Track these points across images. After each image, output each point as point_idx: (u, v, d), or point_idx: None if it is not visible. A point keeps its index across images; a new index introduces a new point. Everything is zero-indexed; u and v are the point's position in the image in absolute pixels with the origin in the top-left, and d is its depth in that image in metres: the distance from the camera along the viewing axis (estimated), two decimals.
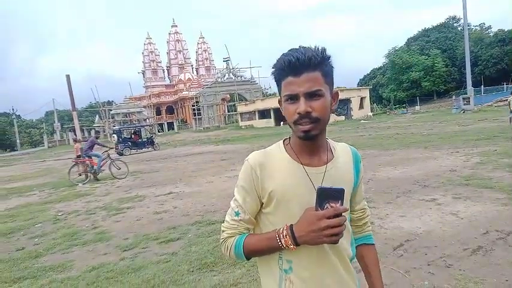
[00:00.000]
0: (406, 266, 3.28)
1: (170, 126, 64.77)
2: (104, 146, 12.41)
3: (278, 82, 1.05)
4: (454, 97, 39.59)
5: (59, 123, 57.70)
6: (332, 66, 1.04)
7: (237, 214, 1.12)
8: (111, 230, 5.41)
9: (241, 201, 1.11)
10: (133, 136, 26.26)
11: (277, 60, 1.03)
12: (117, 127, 30.96)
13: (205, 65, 79.95)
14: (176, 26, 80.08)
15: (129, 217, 6.17)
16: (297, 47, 1.02)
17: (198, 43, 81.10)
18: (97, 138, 12.76)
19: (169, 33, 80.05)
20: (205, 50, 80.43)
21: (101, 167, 11.66)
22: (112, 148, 12.91)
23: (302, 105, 0.98)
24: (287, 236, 1.00)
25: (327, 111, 1.02)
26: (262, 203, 1.10)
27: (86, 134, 61.33)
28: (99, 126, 61.86)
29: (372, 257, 1.26)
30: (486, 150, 9.17)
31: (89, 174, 11.50)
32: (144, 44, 78.72)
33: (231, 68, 56.00)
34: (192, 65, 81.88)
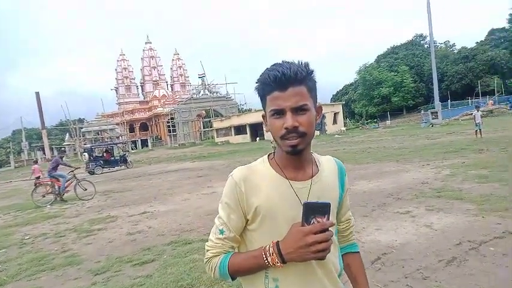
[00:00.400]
0: (384, 280, 3.29)
1: (144, 143, 63.76)
2: (69, 166, 11.95)
3: (262, 97, 1.05)
4: (422, 112, 41.13)
5: (26, 142, 55.52)
6: (315, 81, 1.05)
7: (222, 232, 1.09)
8: (81, 253, 5.16)
9: (225, 218, 1.08)
10: (105, 154, 25.56)
11: (262, 75, 1.03)
12: (88, 145, 30.10)
13: (180, 82, 79.74)
14: (150, 42, 79.86)
15: (101, 239, 5.93)
16: (281, 62, 1.02)
17: (172, 59, 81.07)
18: (62, 157, 12.22)
19: (144, 50, 79.64)
20: (180, 67, 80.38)
21: (66, 187, 11.14)
22: (78, 168, 12.36)
23: (289, 120, 0.98)
24: (274, 254, 0.97)
25: (313, 125, 1.03)
26: (247, 220, 1.08)
27: (56, 152, 59.38)
28: (69, 145, 60.09)
29: (358, 265, 1.26)
30: (455, 163, 9.49)
31: (54, 195, 10.99)
32: (118, 61, 77.91)
33: (206, 84, 56.03)
34: (166, 82, 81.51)
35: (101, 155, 25.71)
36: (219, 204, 1.12)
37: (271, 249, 0.98)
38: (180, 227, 6.11)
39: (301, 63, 1.01)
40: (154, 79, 78.51)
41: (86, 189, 11.22)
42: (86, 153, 24.58)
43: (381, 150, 15.72)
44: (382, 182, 8.13)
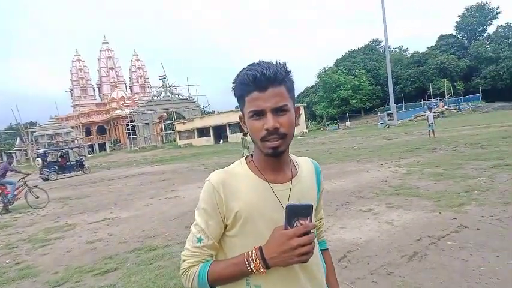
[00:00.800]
0: (351, 277, 3.36)
1: (102, 147, 61.31)
2: (19, 172, 11.20)
3: (240, 98, 1.02)
4: (379, 113, 42.94)
5: None
6: (293, 81, 1.03)
7: (200, 240, 1.03)
8: (37, 265, 4.84)
9: (203, 225, 1.03)
10: (60, 159, 24.30)
11: (239, 75, 1.00)
12: (41, 150, 28.50)
13: (140, 83, 77.53)
14: (108, 42, 77.06)
15: (58, 248, 5.60)
16: (258, 62, 1.00)
17: (131, 60, 78.65)
18: (10, 163, 11.35)
19: (100, 50, 76.68)
20: (139, 68, 78.19)
21: (16, 195, 10.41)
22: (29, 174, 11.52)
23: (270, 121, 0.95)
24: (257, 260, 0.94)
25: (293, 126, 1.01)
26: (226, 226, 1.04)
27: (5, 158, 55.70)
28: (20, 150, 56.59)
29: (328, 262, 1.28)
30: (411, 161, 9.95)
31: (2, 204, 10.21)
32: (72, 61, 74.41)
33: (167, 86, 54.97)
34: (125, 83, 78.93)
35: (55, 160, 24.42)
36: (195, 211, 1.07)
37: (254, 255, 0.95)
38: (143, 234, 5.91)
39: (279, 63, 0.99)
40: (112, 80, 75.79)
41: (38, 197, 10.49)
42: (39, 159, 23.18)
43: (342, 150, 16.17)
44: (344, 181, 8.35)
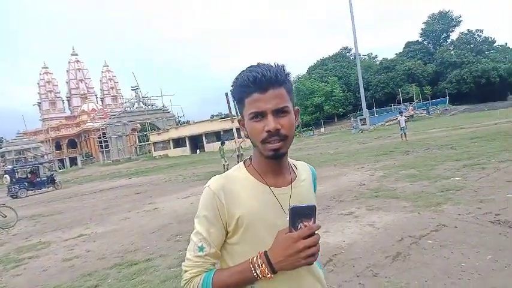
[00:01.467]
0: (338, 281, 3.37)
1: (73, 161, 59.40)
2: None
3: (240, 100, 1.01)
4: (352, 119, 43.92)
5: None
6: (292, 83, 1.03)
7: (202, 249, 1.00)
8: (10, 286, 4.60)
9: (205, 233, 1.00)
10: (29, 175, 23.34)
11: (239, 77, 0.99)
12: (9, 166, 27.27)
13: (112, 94, 75.97)
14: (77, 54, 75.20)
15: (32, 268, 5.34)
16: (257, 64, 0.99)
17: (102, 72, 77.08)
18: None
19: (69, 62, 74.70)
20: (110, 79, 76.68)
21: None
22: None
23: (271, 123, 0.94)
24: (263, 265, 0.92)
25: (293, 128, 1.00)
26: (227, 233, 1.01)
27: None
28: None
29: None
30: (387, 164, 10.20)
31: None
32: (40, 74, 72.13)
33: (140, 96, 54.11)
34: (96, 95, 77.11)
35: (24, 176, 23.42)
36: (195, 219, 1.04)
37: (259, 260, 0.93)
38: (122, 248, 5.73)
39: (278, 65, 0.99)
40: (82, 92, 73.84)
41: (5, 216, 9.96)
42: (7, 176, 22.14)
43: (319, 156, 16.38)
44: (323, 186, 8.43)
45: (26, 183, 22.17)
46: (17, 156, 49.68)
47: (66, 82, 75.12)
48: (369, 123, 35.23)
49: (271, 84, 0.95)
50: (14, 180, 21.72)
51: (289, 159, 1.14)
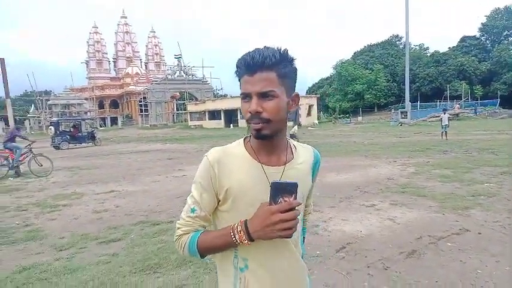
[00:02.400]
0: (347, 268, 3.41)
1: (113, 121, 61.99)
2: (25, 139, 11.24)
3: (239, 80, 1.06)
4: (393, 110, 42.48)
5: None
6: (294, 68, 1.05)
7: (193, 211, 1.09)
8: (45, 228, 5.00)
9: (197, 197, 1.09)
10: (72, 129, 24.66)
11: (238, 59, 1.04)
12: (54, 119, 28.90)
13: (155, 61, 77.64)
14: (126, 17, 76.93)
15: (65, 215, 5.77)
16: (260, 47, 1.02)
17: (148, 37, 78.64)
18: (19, 129, 11.41)
19: (118, 24, 76.64)
20: (156, 45, 78.16)
21: (20, 161, 10.58)
22: (34, 141, 11.51)
23: (253, 105, 1.00)
24: (241, 232, 0.99)
25: (280, 112, 1.02)
26: (219, 201, 1.09)
27: (19, 124, 56.64)
28: (34, 117, 57.53)
29: None
30: (420, 161, 9.89)
31: (11, 167, 10.40)
32: (90, 33, 74.70)
33: (182, 65, 54.96)
34: (140, 59, 79.08)
35: (67, 130, 24.79)
36: (192, 184, 1.13)
37: (239, 227, 1.00)
38: (148, 208, 6.04)
39: (278, 49, 1.01)
40: (127, 55, 75.96)
41: (41, 165, 10.62)
42: (52, 127, 23.56)
43: (351, 145, 16.11)
44: (350, 175, 8.36)
45: (68, 137, 23.49)
46: (62, 110, 52.45)
47: (114, 44, 77.40)
48: (410, 117, 33.98)
49: (259, 68, 0.98)
50: (57, 132, 23.06)
51: (292, 140, 1.19)
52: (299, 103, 1.13)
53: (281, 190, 0.94)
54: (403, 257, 3.62)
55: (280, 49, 1.02)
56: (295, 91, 1.09)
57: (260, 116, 1.00)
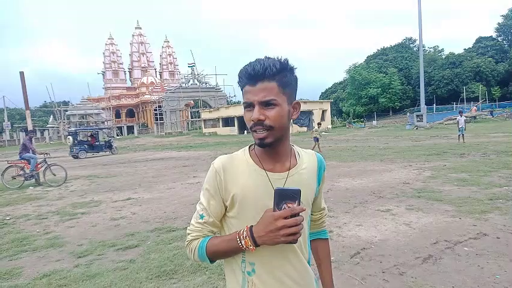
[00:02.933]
0: (362, 274, 3.40)
1: (130, 130, 62.99)
2: (33, 152, 11.07)
3: (242, 90, 1.10)
4: (408, 114, 41.82)
5: (9, 122, 54.25)
6: (294, 78, 1.09)
7: (202, 217, 1.14)
8: (64, 236, 5.14)
9: (205, 204, 1.14)
10: (90, 139, 25.23)
11: (240, 70, 1.08)
12: (73, 129, 29.60)
13: (170, 70, 78.87)
14: (140, 28, 78.61)
15: (84, 223, 5.91)
16: (260, 58, 1.06)
17: (162, 47, 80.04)
18: (31, 138, 11.42)
19: (133, 35, 78.36)
20: (169, 54, 79.43)
21: (33, 169, 10.79)
22: (47, 154, 11.54)
23: (255, 113, 1.03)
24: (247, 237, 1.02)
25: (282, 120, 1.06)
26: (226, 207, 1.13)
27: (39, 134, 58.14)
28: (53, 127, 58.93)
29: (324, 252, 1.36)
30: (437, 165, 9.73)
31: (26, 177, 10.66)
32: (106, 44, 76.45)
33: (196, 74, 55.60)
34: (155, 69, 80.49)
35: (85, 139, 25.35)
36: (201, 191, 1.17)
37: (244, 232, 1.03)
38: (164, 215, 6.13)
39: (279, 59, 1.05)
40: (142, 65, 77.44)
41: (55, 175, 10.84)
42: (70, 137, 24.13)
43: (366, 149, 15.96)
44: (365, 180, 8.30)
45: (86, 146, 24.01)
46: (80, 120, 53.58)
47: (129, 54, 79.03)
48: (426, 120, 33.41)
49: (260, 78, 1.03)
50: (76, 141, 23.61)
51: (296, 147, 1.22)
52: (300, 110, 1.15)
53: (284, 196, 0.97)
54: (419, 262, 3.58)
55: (281, 59, 1.05)
56: (296, 99, 1.13)
57: (263, 124, 1.03)
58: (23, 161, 10.86)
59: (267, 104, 1.03)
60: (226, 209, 1.14)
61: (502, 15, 58.40)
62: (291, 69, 1.07)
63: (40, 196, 8.77)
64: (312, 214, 1.31)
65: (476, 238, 4.12)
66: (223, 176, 1.11)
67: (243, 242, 1.03)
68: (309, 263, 1.22)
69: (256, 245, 1.02)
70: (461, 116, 16.37)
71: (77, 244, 4.74)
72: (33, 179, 10.92)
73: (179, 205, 6.83)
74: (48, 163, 11.01)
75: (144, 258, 4.04)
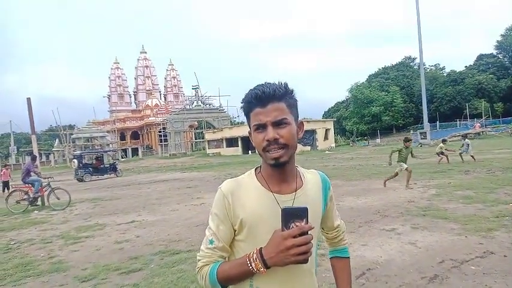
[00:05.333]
0: None
1: (134, 152, 63.30)
2: (38, 176, 11.21)
3: (247, 115, 1.14)
4: (411, 132, 41.79)
5: (15, 147, 54.73)
6: (296, 99, 1.14)
7: (211, 242, 1.14)
8: (68, 260, 5.13)
9: (214, 229, 1.14)
10: (95, 162, 25.38)
11: (246, 95, 1.12)
12: (78, 152, 29.83)
13: (174, 92, 79.89)
14: (145, 52, 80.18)
15: (88, 246, 5.89)
16: (263, 83, 1.12)
17: (167, 70, 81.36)
18: (34, 160, 11.40)
19: (138, 59, 79.85)
20: (174, 77, 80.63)
21: (37, 193, 10.86)
22: (50, 178, 11.64)
23: (270, 133, 1.06)
24: (257, 260, 1.01)
25: (294, 138, 1.10)
26: (235, 231, 1.14)
27: (44, 158, 58.57)
28: (58, 151, 59.40)
29: (342, 271, 1.33)
30: (442, 183, 9.68)
31: (31, 201, 10.73)
32: (112, 69, 77.91)
33: (199, 95, 56.24)
34: (160, 91, 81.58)
35: (90, 162, 25.52)
36: (209, 216, 1.18)
37: (254, 255, 1.03)
38: (168, 237, 6.11)
39: (281, 83, 1.11)
40: (147, 88, 78.53)
41: (59, 199, 10.80)
42: (75, 160, 24.28)
43: (370, 167, 15.91)
44: (369, 199, 8.25)
45: (91, 169, 24.12)
46: (85, 143, 54.00)
47: (134, 78, 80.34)
48: (430, 137, 33.38)
49: (270, 99, 1.07)
50: (81, 165, 23.72)
51: (300, 168, 1.24)
52: (304, 129, 1.20)
53: (292, 215, 0.97)
54: (425, 282, 3.54)
55: (282, 83, 1.11)
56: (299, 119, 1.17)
57: (278, 142, 1.05)
58: (26, 185, 10.94)
59: (279, 124, 1.07)
60: (235, 233, 1.14)
61: (501, 34, 59.08)
62: (292, 92, 1.13)
63: (44, 220, 8.78)
64: (327, 233, 1.34)
65: (483, 257, 4.07)
66: (231, 200, 1.12)
67: (253, 265, 1.02)
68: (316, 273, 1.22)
69: (266, 266, 1.01)
70: (465, 139, 16.48)
71: (81, 268, 4.72)
72: (38, 203, 10.95)
73: (183, 227, 6.81)
74: (52, 187, 11.05)
75: (147, 282, 4.02)
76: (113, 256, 5.22)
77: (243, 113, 1.17)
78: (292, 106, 1.12)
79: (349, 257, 1.37)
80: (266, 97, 1.07)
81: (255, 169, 1.21)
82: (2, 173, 15.85)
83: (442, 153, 15.93)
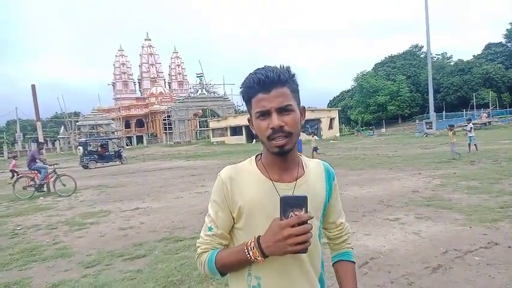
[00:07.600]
0: (370, 284, 3.36)
1: (139, 139, 63.48)
2: (43, 163, 11.31)
3: (248, 101, 1.08)
4: (417, 121, 41.47)
5: (21, 134, 55.11)
6: (297, 84, 1.09)
7: (210, 229, 1.12)
8: (73, 246, 5.19)
9: (213, 215, 1.12)
10: (100, 149, 25.49)
11: (246, 79, 1.06)
12: (83, 139, 29.95)
13: (178, 80, 79.65)
14: (150, 39, 79.77)
15: (92, 233, 5.95)
16: (263, 66, 1.06)
17: (171, 57, 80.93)
18: (40, 149, 11.54)
19: (143, 47, 79.46)
20: (178, 65, 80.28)
21: (43, 179, 10.99)
22: (56, 165, 11.75)
23: (275, 120, 1.01)
24: (254, 248, 1.00)
25: (298, 125, 1.06)
26: (234, 218, 1.12)
27: (50, 145, 58.95)
28: (63, 138, 59.74)
29: (345, 274, 1.23)
30: (446, 173, 9.62)
31: (37, 187, 10.87)
32: (116, 56, 77.64)
33: (204, 83, 56.02)
34: (164, 79, 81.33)
35: (95, 149, 25.62)
36: (209, 203, 1.17)
37: (252, 243, 1.01)
38: (172, 224, 6.15)
39: (283, 66, 1.06)
40: (152, 76, 78.33)
41: (65, 185, 10.88)
42: (80, 147, 24.43)
43: (375, 157, 15.85)
44: (373, 188, 8.23)
45: (96, 156, 24.27)
46: (90, 131, 54.21)
47: (139, 65, 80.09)
48: (435, 128, 33.12)
49: (274, 84, 1.02)
50: (86, 152, 23.88)
51: (303, 157, 1.20)
52: (305, 115, 1.15)
53: (291, 204, 0.94)
54: (428, 272, 3.53)
55: (284, 66, 1.06)
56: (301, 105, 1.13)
57: (283, 130, 1.01)
58: (33, 171, 11.05)
59: (283, 110, 1.02)
60: (234, 221, 1.12)
61: (511, 23, 57.97)
62: (295, 76, 1.08)
63: (50, 206, 8.87)
64: (329, 232, 1.27)
65: (487, 247, 4.05)
66: (230, 186, 1.09)
67: (251, 253, 1.00)
68: (321, 281, 1.18)
69: (264, 255, 0.99)
70: (469, 123, 16.19)
71: (85, 254, 4.78)
72: (44, 189, 11.08)
73: (187, 214, 6.84)
74: (58, 173, 11.14)
75: (151, 268, 4.05)
76: (117, 242, 5.26)
77: (242, 98, 1.11)
78: (295, 91, 1.07)
79: (354, 262, 1.27)
80: (270, 82, 1.01)
81: (256, 156, 1.18)
82: (12, 165, 16.75)
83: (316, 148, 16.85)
